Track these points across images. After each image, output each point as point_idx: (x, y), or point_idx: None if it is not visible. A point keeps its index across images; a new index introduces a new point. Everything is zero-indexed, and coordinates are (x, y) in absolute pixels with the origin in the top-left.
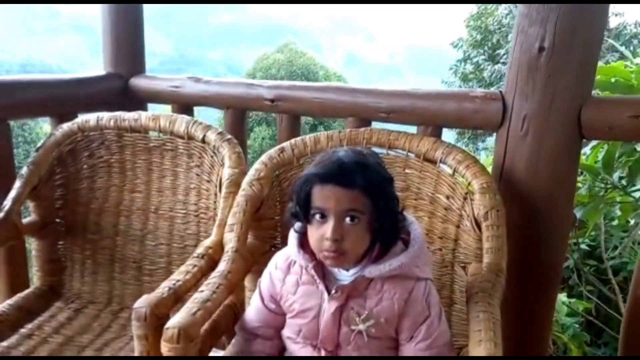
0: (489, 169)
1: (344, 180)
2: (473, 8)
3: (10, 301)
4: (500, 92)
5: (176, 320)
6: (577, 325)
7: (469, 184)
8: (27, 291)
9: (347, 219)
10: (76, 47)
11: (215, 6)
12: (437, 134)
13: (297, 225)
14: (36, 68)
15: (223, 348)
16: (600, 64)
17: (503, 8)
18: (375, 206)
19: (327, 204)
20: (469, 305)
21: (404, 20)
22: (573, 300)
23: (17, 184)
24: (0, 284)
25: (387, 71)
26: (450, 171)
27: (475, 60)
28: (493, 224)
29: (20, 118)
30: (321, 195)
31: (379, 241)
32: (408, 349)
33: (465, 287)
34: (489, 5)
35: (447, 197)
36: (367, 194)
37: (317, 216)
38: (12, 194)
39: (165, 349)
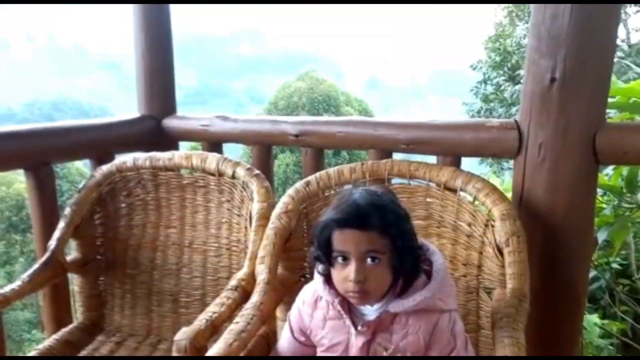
0: (509, 195)
1: (361, 223)
2: (491, 30)
3: (56, 336)
4: (516, 121)
5: (214, 351)
6: (611, 347)
7: (490, 211)
8: (71, 326)
9: (369, 260)
10: (104, 84)
11: (236, 38)
12: (457, 163)
13: (321, 267)
14: (67, 105)
15: None
16: (620, 83)
17: (521, 29)
18: (394, 245)
19: (347, 247)
20: (494, 330)
21: (425, 44)
22: (606, 321)
23: (61, 224)
24: (46, 320)
25: (408, 94)
26: (470, 199)
27: (495, 81)
28: (514, 250)
29: (62, 161)
30: (341, 239)
31: (401, 277)
32: None
33: (490, 312)
34: (507, 27)
35: (469, 225)
36: (385, 234)
37: (339, 259)
38: (57, 233)
39: None
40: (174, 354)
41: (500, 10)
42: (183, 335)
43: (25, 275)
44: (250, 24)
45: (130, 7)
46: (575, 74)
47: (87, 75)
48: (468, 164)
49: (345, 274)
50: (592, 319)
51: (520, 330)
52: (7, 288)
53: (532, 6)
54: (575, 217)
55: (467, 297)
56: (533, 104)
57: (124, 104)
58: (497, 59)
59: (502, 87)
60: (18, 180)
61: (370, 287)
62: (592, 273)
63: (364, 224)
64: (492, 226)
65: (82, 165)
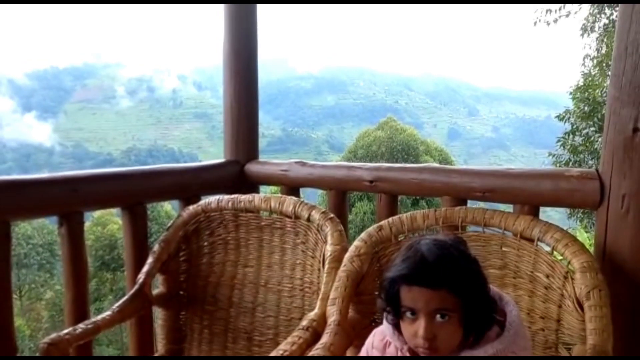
0: (590, 247)
1: (429, 281)
2: (579, 80)
3: None
4: (597, 170)
5: None
6: None
7: (569, 262)
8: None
9: (438, 317)
10: (195, 133)
11: (319, 90)
12: (534, 212)
13: (390, 318)
14: (160, 152)
15: None
16: None
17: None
18: (465, 301)
19: (416, 304)
20: None
21: (507, 93)
22: None
23: (150, 259)
24: (131, 351)
25: (491, 144)
26: (548, 249)
27: (584, 132)
28: (596, 304)
29: (155, 201)
30: (409, 297)
31: (472, 331)
32: None
33: None
34: (596, 77)
35: (547, 276)
36: (455, 291)
37: (408, 313)
38: (146, 268)
39: None
40: None
41: (588, 60)
42: None
43: (115, 306)
44: (333, 75)
45: (221, 61)
46: None
47: (181, 125)
48: (555, 217)
49: (414, 329)
50: None
51: None
52: (99, 317)
53: (612, 56)
54: None
55: (546, 352)
56: (615, 153)
57: (212, 151)
58: (586, 109)
59: (592, 138)
60: (112, 222)
61: (439, 344)
62: None
63: (432, 282)
64: (572, 278)
65: (170, 209)
